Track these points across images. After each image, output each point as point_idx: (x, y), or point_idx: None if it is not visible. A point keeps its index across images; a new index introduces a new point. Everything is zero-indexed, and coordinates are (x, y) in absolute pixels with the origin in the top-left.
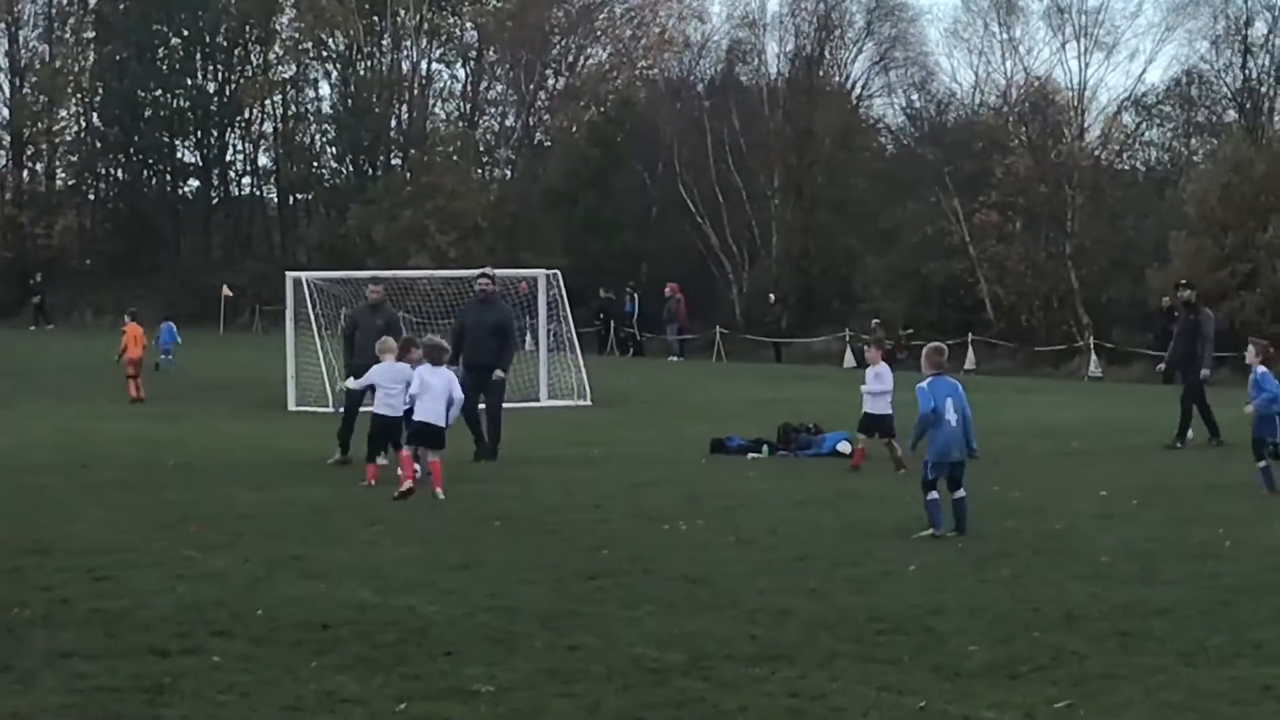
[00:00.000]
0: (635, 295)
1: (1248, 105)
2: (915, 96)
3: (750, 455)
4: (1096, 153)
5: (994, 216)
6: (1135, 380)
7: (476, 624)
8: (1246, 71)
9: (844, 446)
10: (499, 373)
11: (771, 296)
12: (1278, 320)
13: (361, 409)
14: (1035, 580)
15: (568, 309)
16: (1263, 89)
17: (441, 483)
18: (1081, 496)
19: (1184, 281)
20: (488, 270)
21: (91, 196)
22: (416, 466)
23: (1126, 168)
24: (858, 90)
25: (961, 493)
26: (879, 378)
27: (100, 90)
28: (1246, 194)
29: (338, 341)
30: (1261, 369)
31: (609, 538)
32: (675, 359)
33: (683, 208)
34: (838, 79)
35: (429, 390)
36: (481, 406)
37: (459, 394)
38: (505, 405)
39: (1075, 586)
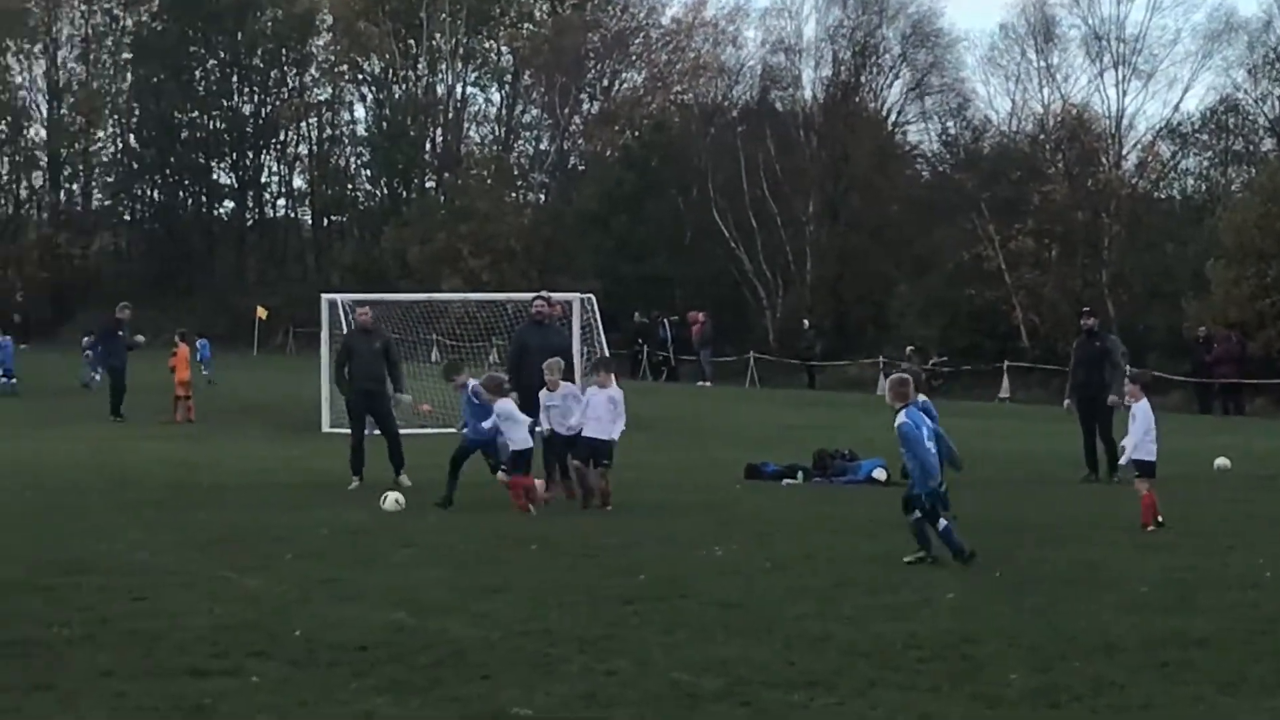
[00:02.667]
0: (668, 321)
1: None
2: (951, 123)
3: (785, 481)
4: (1134, 181)
5: (1030, 244)
6: (1172, 410)
7: (512, 647)
8: None
9: (879, 473)
10: None
11: (805, 322)
12: None
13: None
14: (1072, 609)
15: (602, 333)
16: None
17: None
18: (1117, 525)
19: (1087, 309)
20: (544, 293)
21: (128, 217)
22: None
23: (1163, 196)
24: (893, 116)
25: (944, 522)
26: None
27: (137, 111)
28: None
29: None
30: None
31: (644, 562)
32: (703, 384)
33: (716, 232)
34: (873, 105)
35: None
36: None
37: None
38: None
39: (1112, 615)
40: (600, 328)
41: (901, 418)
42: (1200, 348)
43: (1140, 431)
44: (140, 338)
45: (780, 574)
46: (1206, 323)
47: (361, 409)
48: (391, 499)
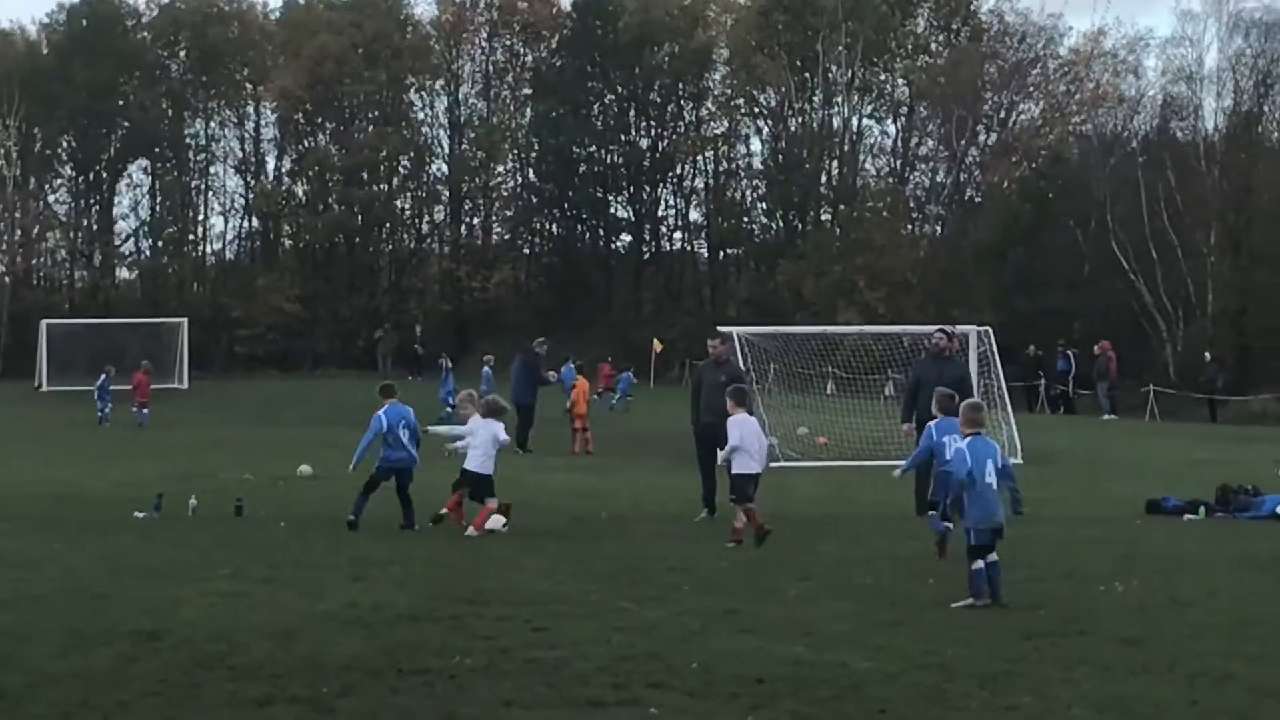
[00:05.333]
0: (1070, 353)
1: None
2: None
3: (1186, 516)
4: None
5: None
6: None
7: (910, 681)
8: None
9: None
10: None
11: (1207, 355)
12: None
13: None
14: None
15: (999, 365)
16: None
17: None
18: None
19: None
20: (944, 327)
21: (526, 251)
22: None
23: None
24: None
25: (993, 557)
26: None
27: (536, 146)
28: None
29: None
30: None
31: (1044, 597)
32: (1108, 417)
33: (1115, 264)
34: (1277, 135)
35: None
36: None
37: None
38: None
39: None
40: (997, 360)
41: (960, 446)
42: None
43: None
44: (553, 374)
45: (1183, 610)
46: None
47: (708, 441)
48: None
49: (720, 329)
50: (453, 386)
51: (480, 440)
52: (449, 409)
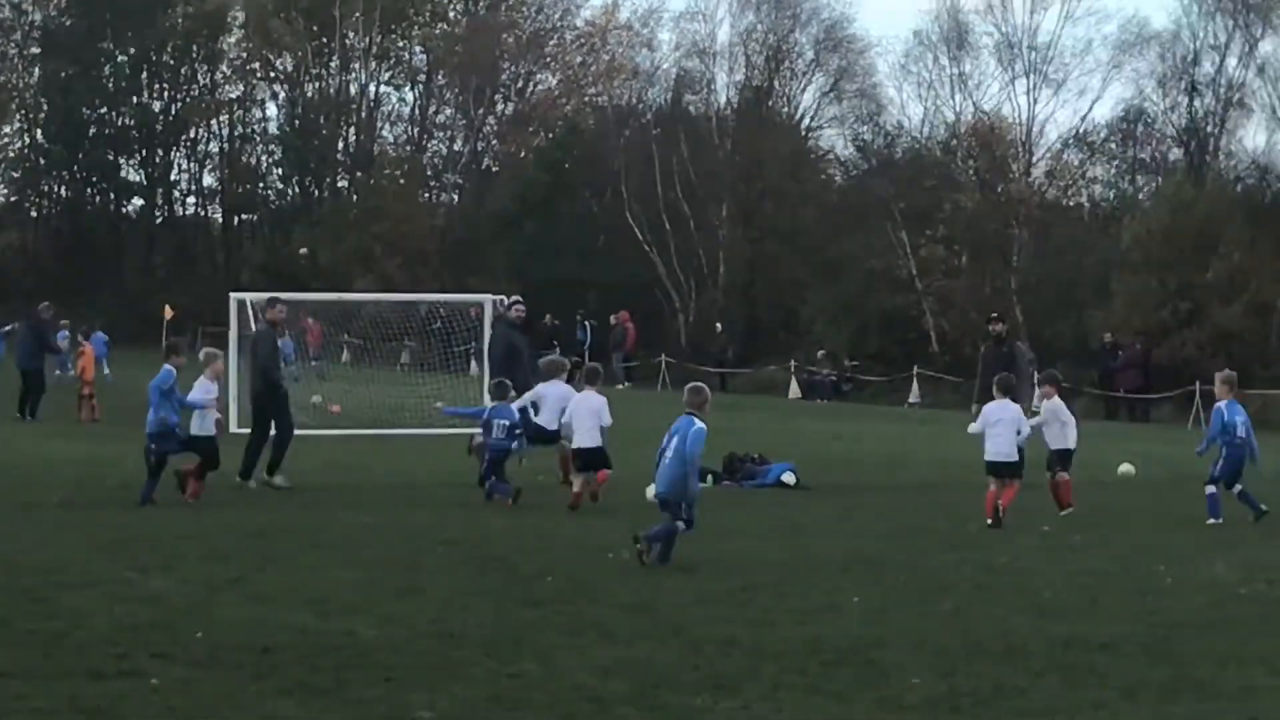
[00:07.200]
0: (589, 323)
1: (1192, 145)
2: (864, 129)
3: None
4: (1043, 189)
5: (941, 251)
6: (1079, 416)
7: (418, 650)
8: (1192, 111)
9: (789, 477)
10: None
11: (718, 326)
12: (1218, 357)
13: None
14: (977, 613)
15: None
16: (1208, 128)
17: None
18: (1025, 530)
19: (995, 315)
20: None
21: (34, 214)
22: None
23: (1071, 204)
24: (807, 121)
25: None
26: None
27: (44, 107)
28: (1188, 233)
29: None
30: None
31: (552, 565)
32: (623, 386)
33: (630, 235)
34: (787, 110)
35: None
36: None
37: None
38: (442, 431)
39: (1017, 620)
40: None
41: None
42: (1106, 355)
43: (1054, 423)
44: (64, 342)
45: (688, 577)
46: (1112, 331)
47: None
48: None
49: (236, 295)
50: None
51: None
52: None
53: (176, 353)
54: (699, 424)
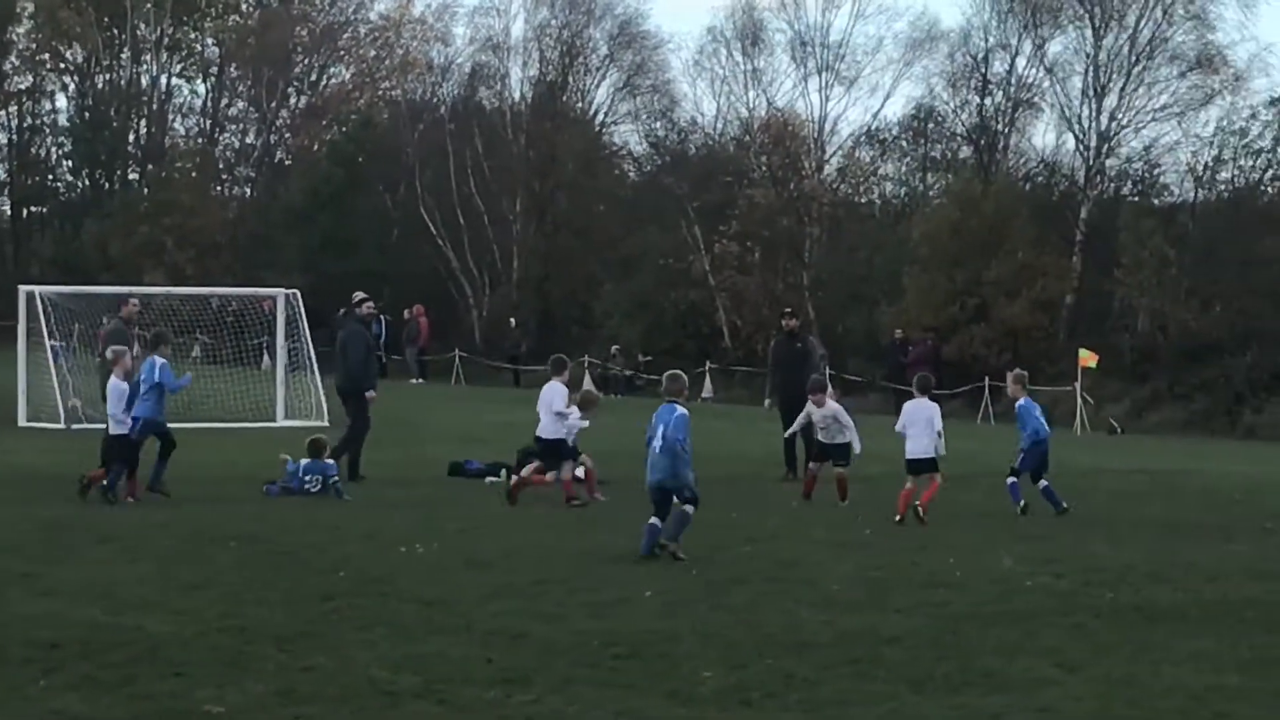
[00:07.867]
0: (384, 318)
1: (982, 142)
2: (658, 125)
3: (488, 480)
4: (835, 186)
5: (734, 247)
6: (871, 411)
7: (208, 644)
8: (982, 110)
9: (581, 472)
10: None
11: (512, 321)
12: (1005, 353)
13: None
14: (768, 607)
15: (307, 329)
16: (997, 127)
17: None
18: (817, 525)
19: (788, 310)
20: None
21: None
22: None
23: (863, 201)
24: (601, 117)
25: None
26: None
27: None
28: (976, 231)
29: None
30: (1023, 401)
31: (345, 559)
32: (417, 381)
33: (425, 230)
34: (581, 105)
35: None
36: None
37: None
38: (234, 425)
39: (807, 614)
40: (305, 324)
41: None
42: (897, 350)
43: (833, 424)
44: None
45: (481, 572)
46: (902, 327)
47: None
48: None
49: (25, 288)
50: None
51: None
52: None
53: (165, 342)
54: (680, 410)
